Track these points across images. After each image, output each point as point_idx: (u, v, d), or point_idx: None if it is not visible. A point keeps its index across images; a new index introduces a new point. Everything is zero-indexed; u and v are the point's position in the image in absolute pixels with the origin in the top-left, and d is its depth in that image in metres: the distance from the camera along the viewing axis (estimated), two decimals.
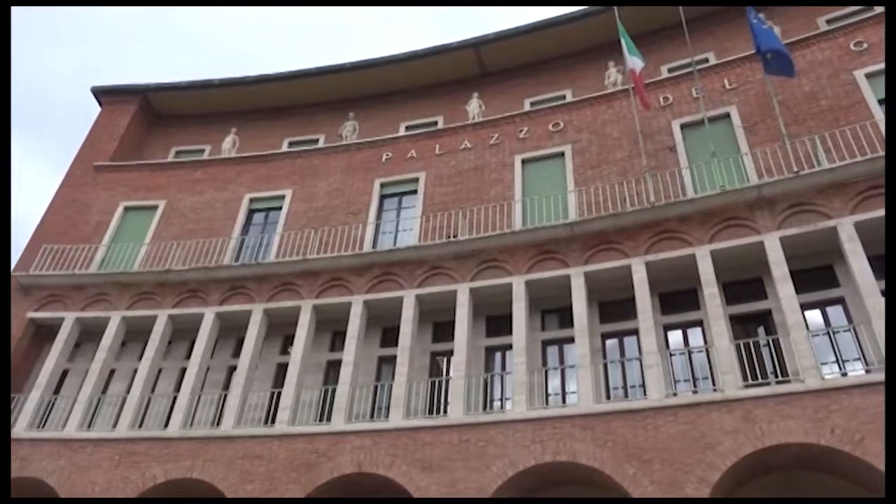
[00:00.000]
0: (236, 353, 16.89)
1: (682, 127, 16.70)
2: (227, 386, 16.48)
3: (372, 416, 15.06)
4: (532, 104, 21.10)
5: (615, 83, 18.93)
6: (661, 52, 19.66)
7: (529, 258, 15.43)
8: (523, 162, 18.06)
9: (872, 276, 12.26)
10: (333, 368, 16.09)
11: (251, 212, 19.97)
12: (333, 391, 15.02)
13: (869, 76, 15.30)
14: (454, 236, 16.55)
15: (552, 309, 15.48)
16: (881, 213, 12.63)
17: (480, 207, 17.05)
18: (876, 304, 11.88)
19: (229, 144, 22.23)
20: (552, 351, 15.28)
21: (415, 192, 18.74)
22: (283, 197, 19.85)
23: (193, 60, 69.57)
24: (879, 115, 14.47)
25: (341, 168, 20.08)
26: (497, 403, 14.81)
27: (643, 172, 15.86)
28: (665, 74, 19.10)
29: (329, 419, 14.50)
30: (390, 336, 16.03)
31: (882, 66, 15.13)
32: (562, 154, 17.75)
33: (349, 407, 14.69)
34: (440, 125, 21.68)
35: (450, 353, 15.16)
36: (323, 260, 16.99)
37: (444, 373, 15.56)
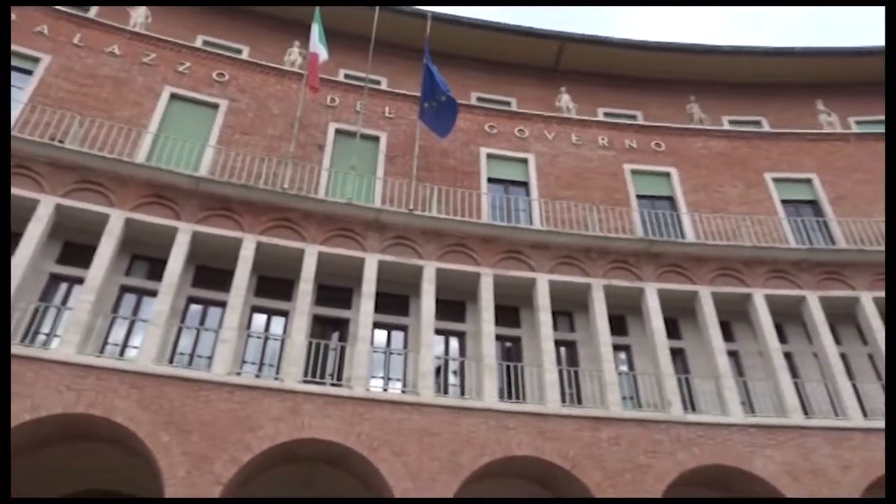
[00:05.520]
0: None
1: (337, 132, 17.48)
2: None
3: None
4: (204, 43, 19.72)
5: (293, 63, 18.87)
6: (345, 56, 20.33)
7: (140, 196, 14.15)
8: (172, 96, 16.67)
9: (434, 313, 14.42)
10: None
11: None
12: None
13: (489, 156, 18.25)
14: (60, 141, 14.25)
15: (145, 256, 14.38)
16: (456, 266, 15.22)
17: (105, 123, 15.07)
18: (427, 338, 14.01)
19: None
20: (129, 299, 14.15)
21: (30, 73, 15.73)
22: None
23: None
24: (486, 188, 17.39)
25: None
26: (42, 338, 13.02)
27: (287, 158, 16.04)
28: (340, 78, 19.80)
29: None
30: None
31: (502, 152, 18.39)
32: (216, 106, 16.91)
33: None
34: (92, 14, 18.69)
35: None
36: None
37: None
